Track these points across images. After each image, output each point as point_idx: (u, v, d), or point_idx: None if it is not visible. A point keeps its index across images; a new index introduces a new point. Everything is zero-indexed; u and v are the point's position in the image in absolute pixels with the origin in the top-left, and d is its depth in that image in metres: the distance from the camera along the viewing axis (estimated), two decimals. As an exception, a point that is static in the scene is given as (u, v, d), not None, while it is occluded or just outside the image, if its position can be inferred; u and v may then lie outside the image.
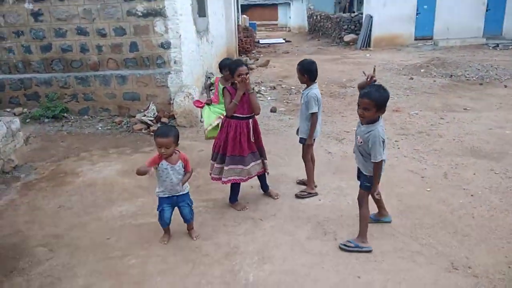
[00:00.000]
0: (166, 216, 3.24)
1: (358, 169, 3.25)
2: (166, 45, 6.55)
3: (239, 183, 3.81)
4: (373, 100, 2.80)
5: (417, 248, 3.12)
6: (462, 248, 3.11)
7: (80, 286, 2.85)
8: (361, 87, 3.27)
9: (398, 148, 5.29)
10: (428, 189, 4.09)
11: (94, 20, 6.54)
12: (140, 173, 2.97)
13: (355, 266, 2.93)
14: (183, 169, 3.18)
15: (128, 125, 6.55)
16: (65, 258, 3.18)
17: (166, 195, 3.21)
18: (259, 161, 3.82)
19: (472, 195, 3.93)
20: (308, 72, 3.85)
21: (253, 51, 16.45)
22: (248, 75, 3.59)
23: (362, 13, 17.21)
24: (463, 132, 5.81)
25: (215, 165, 3.78)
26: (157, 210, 3.28)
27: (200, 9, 8.53)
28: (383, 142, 2.92)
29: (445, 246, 3.13)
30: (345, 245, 3.12)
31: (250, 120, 3.72)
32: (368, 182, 3.08)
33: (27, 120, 6.66)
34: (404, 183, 4.24)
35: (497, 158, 4.85)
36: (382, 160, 2.94)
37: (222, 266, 3.01)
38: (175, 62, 6.65)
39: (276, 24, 33.84)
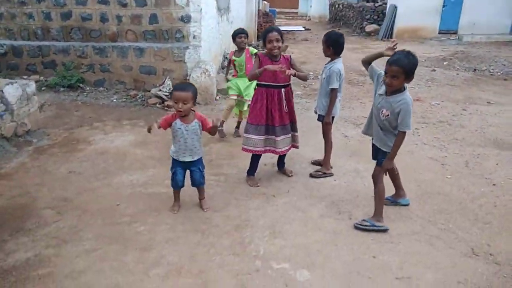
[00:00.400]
0: (178, 178, 3.16)
1: (374, 147, 3.10)
2: (186, 19, 6.41)
3: (260, 156, 3.71)
4: (402, 67, 2.65)
5: (436, 233, 2.99)
6: (483, 235, 2.97)
7: (86, 249, 2.79)
8: (366, 61, 3.12)
9: (418, 135, 5.11)
10: (449, 176, 3.93)
11: (114, -11, 6.44)
12: (148, 128, 2.95)
13: (370, 246, 2.82)
14: (199, 130, 3.04)
15: (143, 99, 6.48)
16: (73, 221, 3.13)
17: (180, 158, 3.10)
18: (290, 134, 3.68)
19: (494, 184, 3.76)
20: (334, 44, 3.67)
21: (272, 37, 16.19)
22: (279, 42, 3.36)
23: (386, 3, 16.71)
24: (486, 124, 5.60)
25: (243, 134, 3.67)
26: (170, 171, 3.21)
27: (222, -14, 8.36)
28: None
29: (465, 232, 2.99)
30: (360, 224, 3.00)
31: (283, 90, 3.53)
32: None
33: (42, 88, 6.63)
34: (424, 170, 4.09)
35: (522, 150, 4.64)
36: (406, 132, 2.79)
37: (232, 238, 2.92)
38: (194, 37, 6.51)
39: (296, 13, 33.24)
